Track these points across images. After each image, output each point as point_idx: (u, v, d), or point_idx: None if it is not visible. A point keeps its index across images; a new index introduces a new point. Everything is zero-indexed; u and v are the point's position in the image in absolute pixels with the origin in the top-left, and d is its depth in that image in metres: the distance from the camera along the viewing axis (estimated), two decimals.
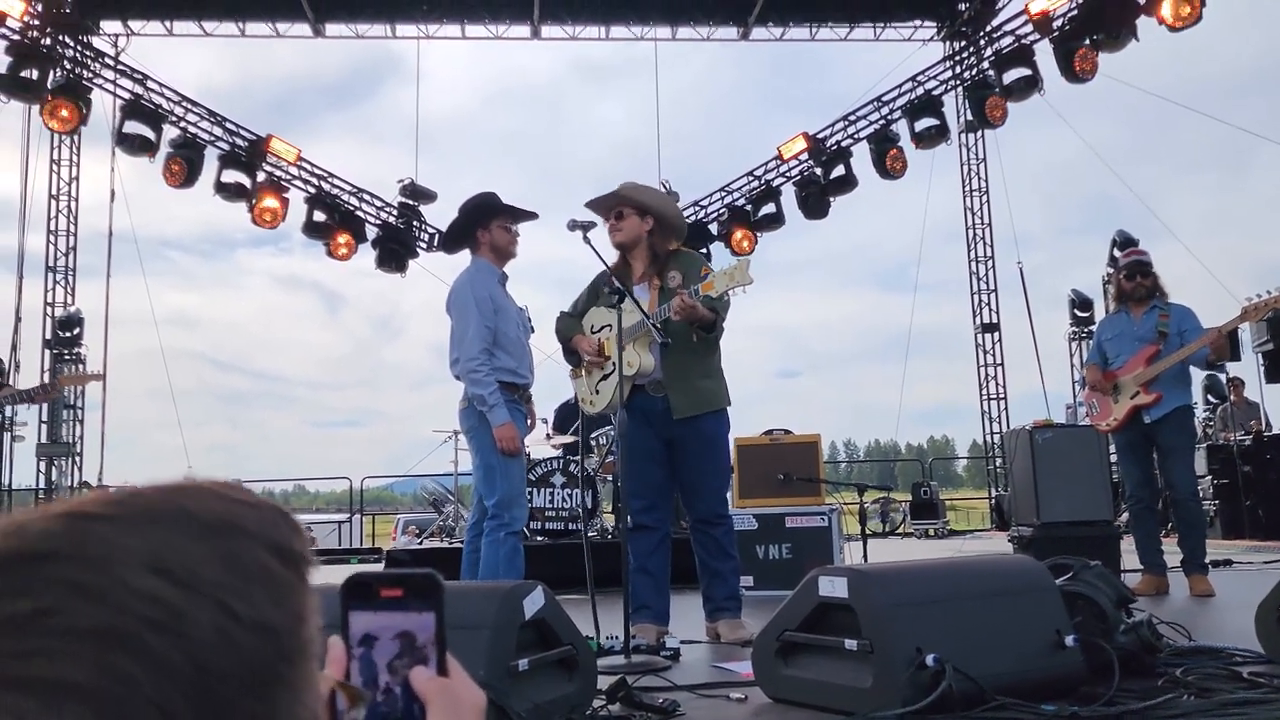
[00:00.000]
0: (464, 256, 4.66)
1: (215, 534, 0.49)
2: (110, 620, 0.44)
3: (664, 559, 4.38)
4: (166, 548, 0.47)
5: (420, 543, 9.18)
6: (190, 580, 0.46)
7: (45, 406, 13.24)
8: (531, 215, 4.65)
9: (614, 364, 4.26)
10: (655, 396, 4.29)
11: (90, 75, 11.55)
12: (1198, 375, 6.86)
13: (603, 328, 4.44)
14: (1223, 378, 11.02)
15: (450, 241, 4.74)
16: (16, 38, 10.66)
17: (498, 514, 4.24)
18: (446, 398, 4.70)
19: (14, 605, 0.44)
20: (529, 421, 4.70)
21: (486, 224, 4.51)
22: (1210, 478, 10.70)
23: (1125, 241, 12.08)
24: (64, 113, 11.00)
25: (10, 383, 12.02)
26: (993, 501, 15.30)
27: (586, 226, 4.15)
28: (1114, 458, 7.10)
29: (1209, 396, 12.34)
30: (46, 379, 12.71)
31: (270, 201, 12.43)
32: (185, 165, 11.80)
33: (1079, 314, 14.60)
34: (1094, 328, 14.16)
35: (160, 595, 0.45)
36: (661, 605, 4.31)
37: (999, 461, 15.21)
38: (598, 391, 4.45)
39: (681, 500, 4.65)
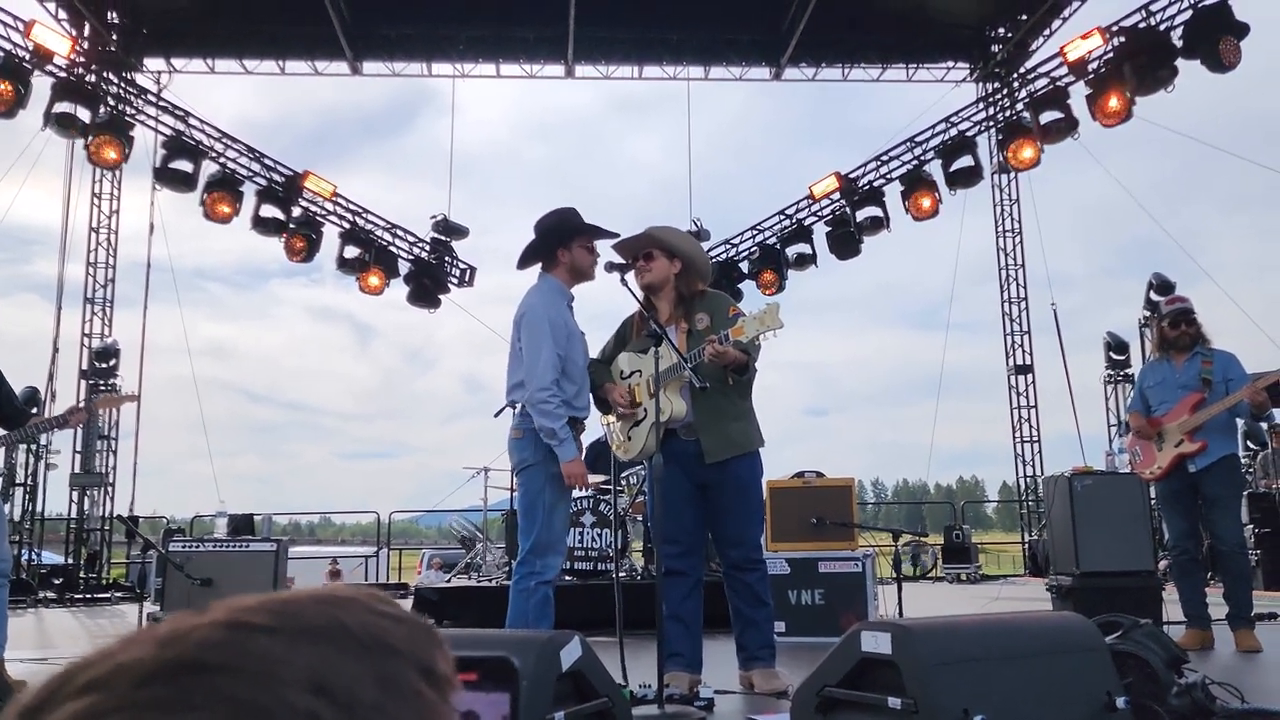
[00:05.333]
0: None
1: (370, 652, 0.48)
2: None
3: (696, 605, 4.31)
4: (326, 666, 0.46)
5: (448, 580, 9.14)
6: (349, 702, 0.45)
7: (79, 436, 13.38)
8: (613, 235, 4.40)
9: (645, 410, 4.22)
10: (687, 440, 4.25)
11: (133, 112, 11.76)
12: (1238, 422, 6.73)
13: (632, 374, 4.38)
14: (1264, 425, 10.82)
15: (527, 259, 4.38)
16: (63, 75, 10.89)
17: (529, 560, 4.04)
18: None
19: (174, 719, 0.42)
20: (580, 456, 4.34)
21: (568, 243, 4.25)
22: (1251, 527, 10.48)
23: (1163, 285, 11.97)
24: (109, 152, 11.19)
25: (46, 412, 12.16)
26: (1026, 547, 15.06)
27: (624, 269, 4.13)
28: (1154, 503, 6.98)
29: (1249, 444, 12.11)
30: (80, 402, 12.85)
31: (299, 239, 12.57)
32: (228, 202, 12.01)
33: (1114, 356, 14.43)
34: (1130, 371, 14.08)
35: (321, 717, 0.44)
36: (694, 653, 4.24)
37: (1032, 505, 15.00)
38: (629, 438, 4.36)
39: (715, 545, 4.58)
